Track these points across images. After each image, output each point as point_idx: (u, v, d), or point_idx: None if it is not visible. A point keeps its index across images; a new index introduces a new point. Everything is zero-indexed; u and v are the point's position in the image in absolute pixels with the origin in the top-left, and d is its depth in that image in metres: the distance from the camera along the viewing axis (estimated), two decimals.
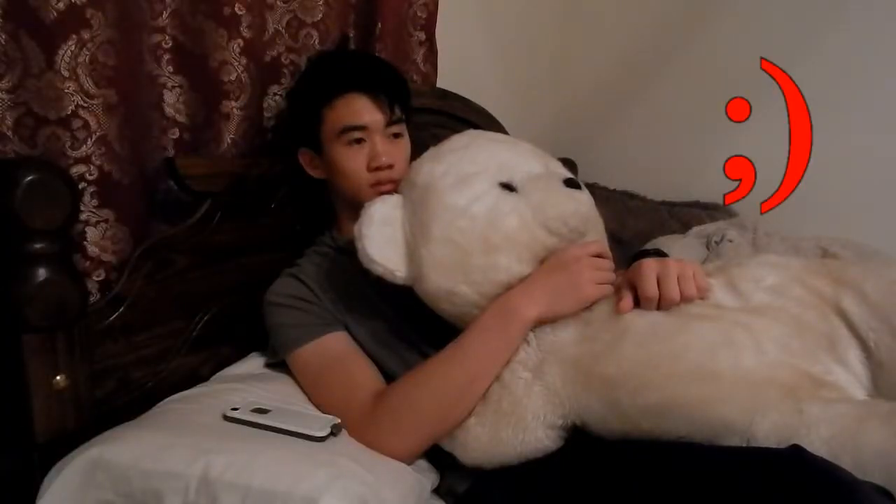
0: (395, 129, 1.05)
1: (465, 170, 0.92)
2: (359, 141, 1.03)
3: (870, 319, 0.80)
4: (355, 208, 0.97)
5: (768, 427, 0.72)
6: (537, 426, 0.84)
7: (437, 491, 0.92)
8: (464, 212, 0.88)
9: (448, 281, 0.89)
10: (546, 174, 0.95)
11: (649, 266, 0.86)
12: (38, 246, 0.79)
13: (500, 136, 1.11)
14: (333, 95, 1.03)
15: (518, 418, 0.84)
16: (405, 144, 1.07)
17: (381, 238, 0.91)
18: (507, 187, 0.91)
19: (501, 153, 0.96)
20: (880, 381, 0.79)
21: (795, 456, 0.67)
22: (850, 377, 0.79)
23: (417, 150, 1.05)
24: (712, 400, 0.75)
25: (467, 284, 0.89)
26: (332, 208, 1.12)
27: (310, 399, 0.96)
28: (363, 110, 1.02)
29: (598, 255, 0.91)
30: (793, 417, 0.71)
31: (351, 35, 1.32)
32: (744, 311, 0.83)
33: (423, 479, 0.88)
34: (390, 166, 1.02)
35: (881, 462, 0.67)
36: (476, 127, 1.55)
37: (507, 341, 0.88)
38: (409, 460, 0.88)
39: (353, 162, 1.03)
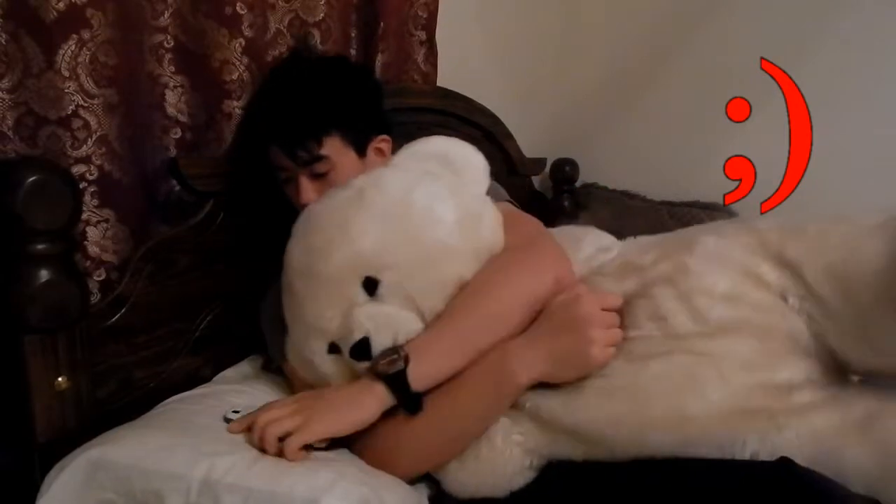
0: (316, 168, 1.01)
1: (298, 336, 0.88)
2: (287, 180, 1.04)
3: (812, 308, 0.76)
4: None
5: (749, 456, 0.72)
6: (519, 471, 0.83)
7: (432, 500, 0.92)
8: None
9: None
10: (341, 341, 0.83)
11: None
12: (39, 247, 0.79)
13: (303, 261, 0.88)
14: (261, 144, 1.04)
15: (499, 465, 0.83)
16: (334, 179, 1.01)
17: None
18: (335, 350, 0.84)
19: (308, 311, 0.85)
20: (841, 360, 0.77)
21: (784, 469, 0.67)
22: (816, 367, 0.77)
23: None
24: (690, 444, 0.74)
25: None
26: None
27: None
28: (279, 158, 1.02)
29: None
30: (771, 442, 0.71)
31: (353, 35, 1.32)
32: (702, 335, 0.78)
33: (420, 485, 0.88)
34: None
35: (862, 481, 0.69)
36: (478, 127, 1.56)
37: (499, 403, 0.83)
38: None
39: (291, 196, 1.04)
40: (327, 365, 0.85)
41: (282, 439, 0.77)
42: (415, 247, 0.83)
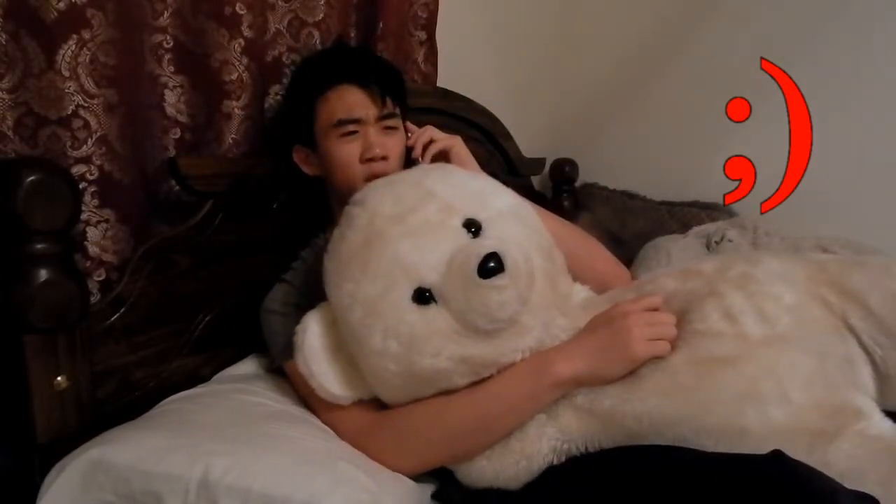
0: (389, 122, 1.04)
1: (369, 292, 0.81)
2: (352, 133, 1.02)
3: (876, 335, 0.80)
4: None
5: None
6: (542, 465, 0.84)
7: (435, 496, 0.92)
8: (382, 354, 0.81)
9: (405, 398, 0.87)
10: (458, 262, 0.79)
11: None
12: (39, 247, 0.79)
13: (392, 211, 0.85)
14: (326, 88, 1.03)
15: (525, 457, 0.83)
16: (399, 138, 1.07)
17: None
18: (422, 298, 0.80)
19: (402, 250, 0.81)
20: (886, 392, 0.81)
21: (776, 461, 0.67)
22: (866, 397, 0.79)
23: None
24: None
25: (428, 392, 0.85)
26: (330, 209, 1.12)
27: (306, 406, 0.95)
28: (356, 103, 1.01)
29: (654, 310, 0.85)
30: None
31: (353, 35, 1.32)
32: (768, 343, 0.79)
33: (422, 484, 0.88)
34: (384, 158, 1.01)
35: None
36: (478, 127, 1.56)
37: (535, 395, 0.83)
38: (406, 476, 0.87)
39: (347, 154, 1.02)
40: (408, 315, 0.80)
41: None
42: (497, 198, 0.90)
